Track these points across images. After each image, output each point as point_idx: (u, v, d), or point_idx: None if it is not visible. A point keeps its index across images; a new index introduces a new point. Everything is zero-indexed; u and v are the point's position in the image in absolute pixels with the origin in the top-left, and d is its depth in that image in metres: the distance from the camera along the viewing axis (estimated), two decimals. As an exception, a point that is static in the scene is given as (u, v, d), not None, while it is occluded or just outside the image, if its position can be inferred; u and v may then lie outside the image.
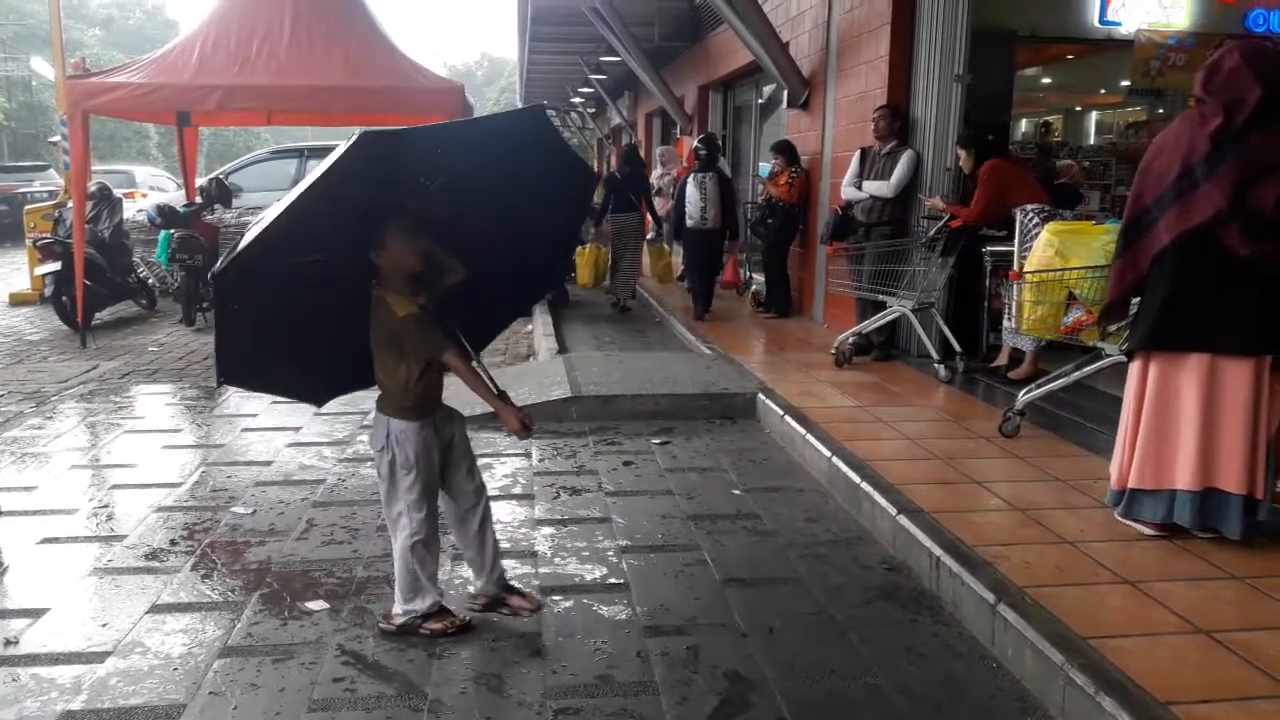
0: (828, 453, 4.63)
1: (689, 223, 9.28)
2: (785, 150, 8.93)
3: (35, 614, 3.23)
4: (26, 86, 38.39)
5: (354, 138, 2.51)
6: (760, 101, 12.36)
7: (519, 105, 29.88)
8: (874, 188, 7.07)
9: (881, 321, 6.59)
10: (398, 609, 3.10)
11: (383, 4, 9.65)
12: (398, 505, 3.04)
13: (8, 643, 3.04)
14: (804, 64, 8.88)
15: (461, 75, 48.42)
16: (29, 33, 41.85)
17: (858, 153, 7.33)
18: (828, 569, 3.66)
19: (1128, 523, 3.63)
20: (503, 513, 4.16)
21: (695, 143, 9.99)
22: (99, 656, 2.96)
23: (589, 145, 30.84)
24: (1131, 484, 3.57)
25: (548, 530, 4.06)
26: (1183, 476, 3.43)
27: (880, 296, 6.50)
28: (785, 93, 9.15)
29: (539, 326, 8.78)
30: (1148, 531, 3.57)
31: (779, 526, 4.10)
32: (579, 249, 11.00)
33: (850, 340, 6.75)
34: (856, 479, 4.24)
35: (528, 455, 5.07)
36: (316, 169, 2.65)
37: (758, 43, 8.58)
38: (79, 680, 2.82)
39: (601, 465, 4.94)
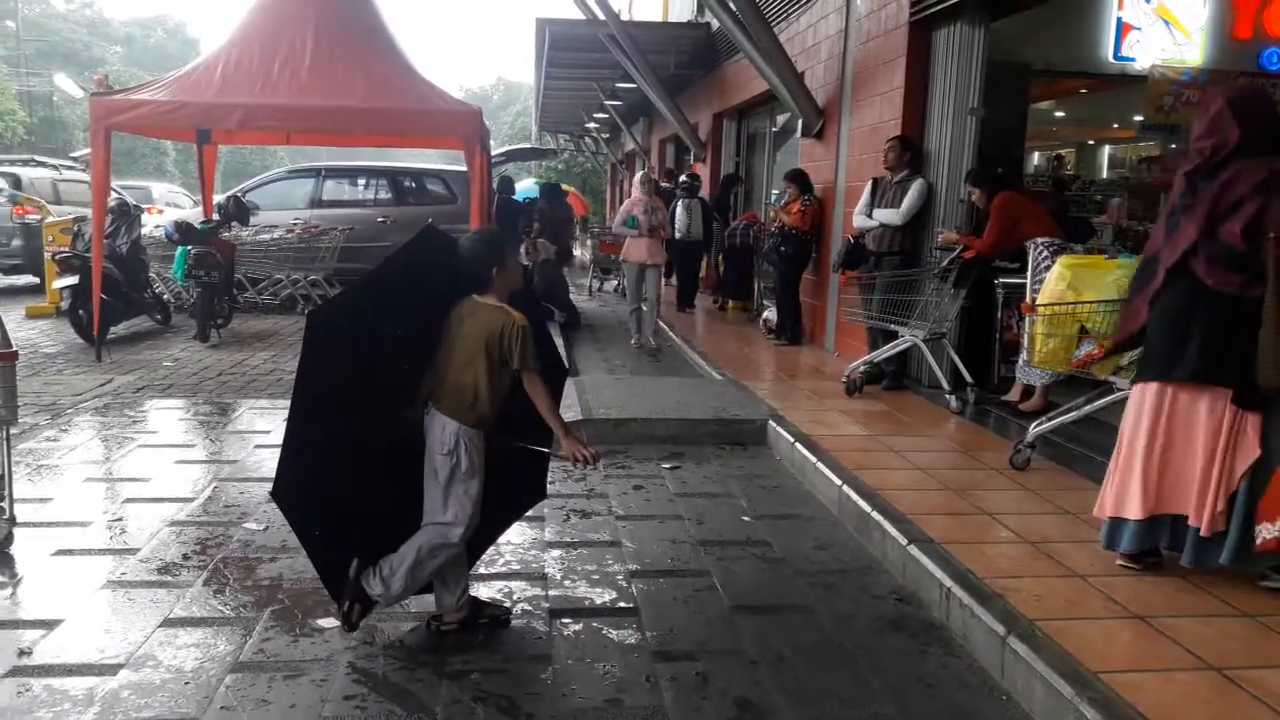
0: (838, 481, 4.64)
1: (678, 236, 11.25)
2: (798, 179, 8.99)
3: (49, 625, 3.26)
4: (48, 102, 38.86)
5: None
6: (774, 130, 12.45)
7: (534, 130, 30.17)
8: (884, 216, 7.11)
9: (893, 351, 6.61)
10: (371, 583, 3.11)
11: (402, 27, 9.77)
12: (447, 510, 3.06)
13: (21, 653, 3.06)
14: (819, 94, 8.95)
15: (478, 99, 48.76)
16: (51, 49, 42.44)
17: (870, 182, 7.38)
18: (837, 597, 3.66)
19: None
20: (513, 534, 4.16)
21: (684, 177, 12.64)
22: (112, 669, 2.97)
23: (603, 170, 31.02)
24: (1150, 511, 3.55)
25: (557, 553, 4.07)
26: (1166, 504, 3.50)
27: (891, 326, 6.52)
28: (800, 122, 9.23)
29: (550, 349, 8.80)
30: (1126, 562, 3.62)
31: (789, 554, 4.10)
32: None
33: (861, 369, 6.76)
34: (867, 508, 4.25)
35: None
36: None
37: (773, 72, 8.66)
38: (92, 692, 2.84)
39: (612, 489, 4.95)
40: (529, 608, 3.52)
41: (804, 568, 3.95)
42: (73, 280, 8.68)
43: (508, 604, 3.51)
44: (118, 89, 8.99)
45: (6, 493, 4.01)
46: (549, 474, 3.73)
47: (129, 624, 3.29)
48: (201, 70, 8.64)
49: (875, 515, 4.16)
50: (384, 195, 13.19)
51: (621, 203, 25.20)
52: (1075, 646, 2.92)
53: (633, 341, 9.41)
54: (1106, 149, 16.00)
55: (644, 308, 9.34)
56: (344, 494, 3.09)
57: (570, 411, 5.96)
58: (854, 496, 4.42)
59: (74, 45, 44.15)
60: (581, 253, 19.94)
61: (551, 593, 3.65)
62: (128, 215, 9.67)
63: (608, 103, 18.55)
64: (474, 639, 3.23)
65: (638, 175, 9.53)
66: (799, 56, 9.39)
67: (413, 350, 3.14)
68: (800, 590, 3.72)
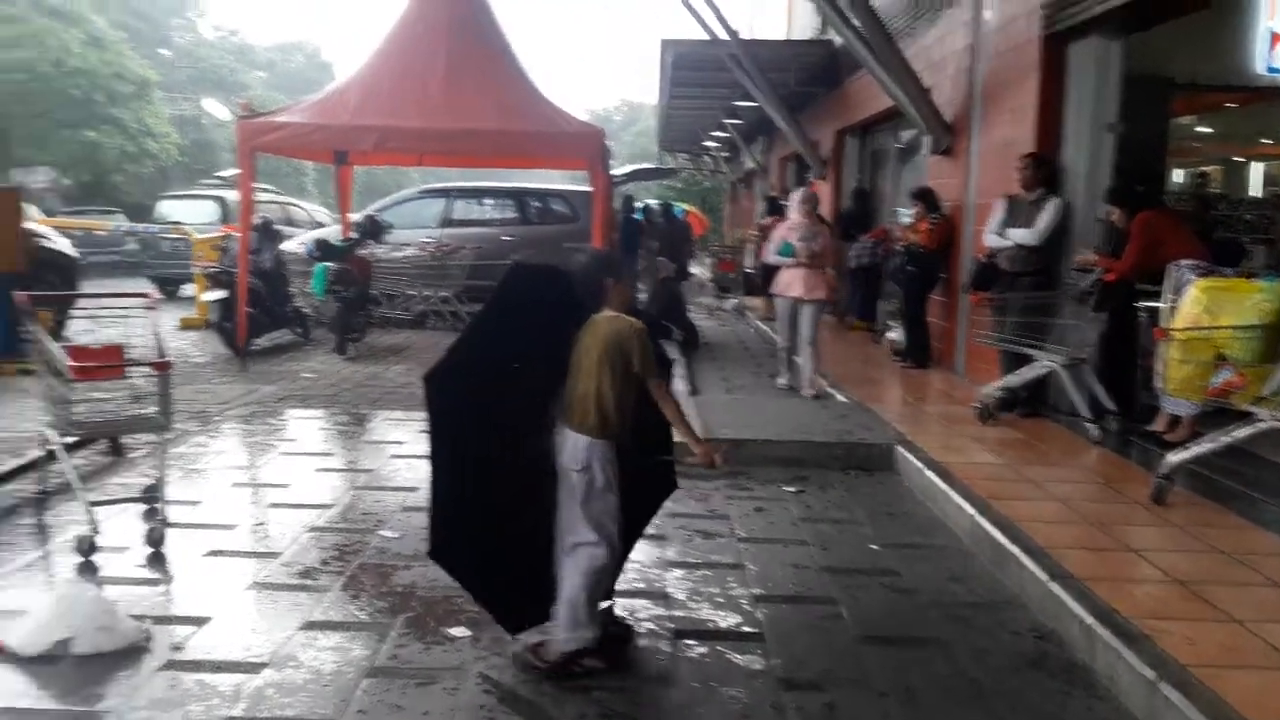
0: (972, 511, 4.49)
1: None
2: (924, 196, 8.78)
3: (199, 622, 3.43)
4: (197, 125, 41.19)
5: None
6: (899, 147, 12.21)
7: (655, 149, 30.42)
8: (1019, 236, 6.86)
9: (1030, 376, 6.34)
10: (561, 639, 3.09)
11: (530, 51, 10.02)
12: (588, 528, 3.08)
13: (174, 648, 3.23)
14: (946, 110, 8.75)
15: (601, 119, 49.36)
16: (200, 75, 45.11)
17: (1003, 200, 7.14)
18: (971, 632, 3.53)
19: None
20: (636, 552, 4.14)
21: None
22: (256, 667, 3.11)
23: (723, 188, 31.03)
24: None
25: (680, 573, 4.06)
26: None
27: (1027, 350, 6.28)
28: (925, 138, 9.02)
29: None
30: None
31: (919, 584, 3.98)
32: None
33: (996, 394, 6.52)
34: (1004, 540, 4.09)
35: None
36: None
37: (899, 88, 8.51)
38: (238, 688, 2.97)
39: (733, 510, 4.92)
40: (653, 627, 3.52)
41: (936, 599, 3.83)
42: (221, 294, 9.17)
43: (629, 621, 3.51)
44: (261, 112, 9.47)
45: (160, 495, 4.25)
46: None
47: (272, 625, 3.44)
48: (338, 94, 9.06)
49: (1012, 548, 4.00)
50: (510, 215, 13.48)
51: (739, 223, 25.11)
52: (1235, 697, 2.74)
53: (779, 382, 7.98)
54: (1256, 166, 15.11)
55: (798, 355, 7.68)
56: (498, 532, 3.15)
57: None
58: (989, 528, 4.26)
59: (221, 71, 46.77)
60: (700, 271, 19.98)
61: (675, 613, 3.64)
62: (271, 233, 10.17)
63: (727, 121, 18.57)
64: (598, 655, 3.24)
65: (796, 194, 8.24)
66: (924, 72, 9.18)
67: (536, 379, 3.17)
68: (932, 622, 3.61)
